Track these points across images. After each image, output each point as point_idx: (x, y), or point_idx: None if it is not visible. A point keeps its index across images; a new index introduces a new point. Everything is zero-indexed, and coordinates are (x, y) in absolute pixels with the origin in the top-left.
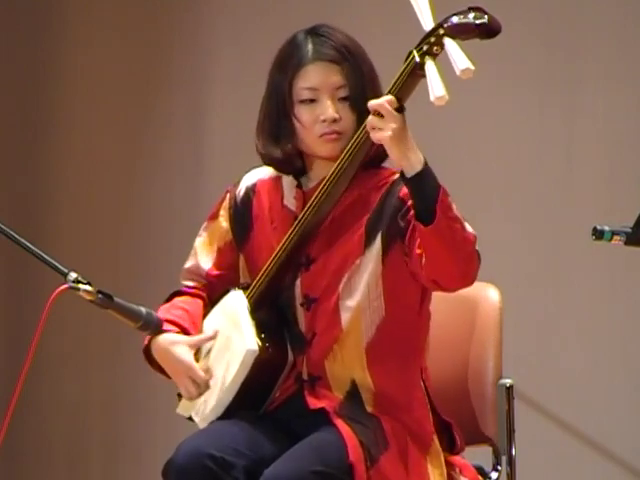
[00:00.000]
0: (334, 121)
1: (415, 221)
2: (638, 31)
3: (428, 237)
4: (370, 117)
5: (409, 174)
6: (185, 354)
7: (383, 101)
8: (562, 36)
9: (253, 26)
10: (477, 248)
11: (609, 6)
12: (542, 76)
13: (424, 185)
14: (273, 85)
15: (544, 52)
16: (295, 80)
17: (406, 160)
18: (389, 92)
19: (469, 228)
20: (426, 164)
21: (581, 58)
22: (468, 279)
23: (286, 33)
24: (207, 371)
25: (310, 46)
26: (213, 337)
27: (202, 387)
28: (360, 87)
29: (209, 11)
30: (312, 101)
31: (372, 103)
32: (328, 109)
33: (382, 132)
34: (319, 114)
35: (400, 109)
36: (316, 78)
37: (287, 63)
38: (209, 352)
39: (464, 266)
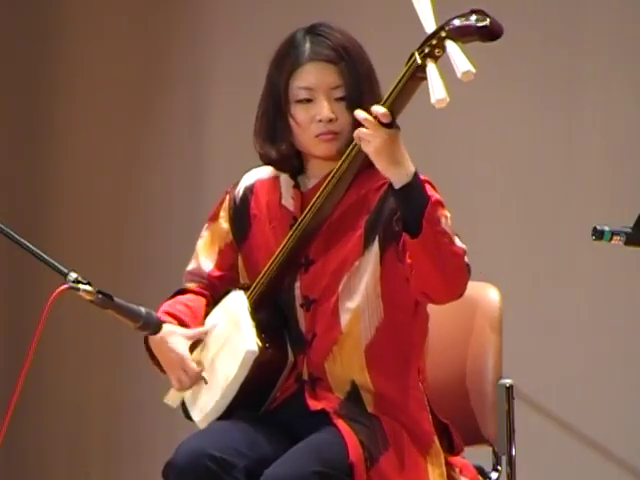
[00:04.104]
0: (330, 121)
1: (403, 231)
2: (638, 31)
3: (414, 249)
4: (359, 128)
5: (396, 186)
6: (180, 344)
7: (370, 114)
8: (562, 35)
9: (253, 26)
10: (467, 261)
11: (609, 6)
12: (542, 76)
13: (411, 198)
14: (270, 84)
15: (544, 51)
16: (291, 79)
17: (392, 173)
18: (389, 96)
19: (458, 242)
20: (415, 176)
21: (581, 58)
22: (455, 293)
23: (286, 33)
24: (199, 363)
25: (307, 45)
26: (209, 330)
27: (193, 379)
28: (357, 87)
29: (208, 11)
30: (308, 101)
31: (359, 115)
32: (324, 109)
33: (367, 144)
34: (315, 114)
35: (390, 124)
36: (312, 78)
37: (284, 62)
38: (205, 347)
39: (451, 280)
